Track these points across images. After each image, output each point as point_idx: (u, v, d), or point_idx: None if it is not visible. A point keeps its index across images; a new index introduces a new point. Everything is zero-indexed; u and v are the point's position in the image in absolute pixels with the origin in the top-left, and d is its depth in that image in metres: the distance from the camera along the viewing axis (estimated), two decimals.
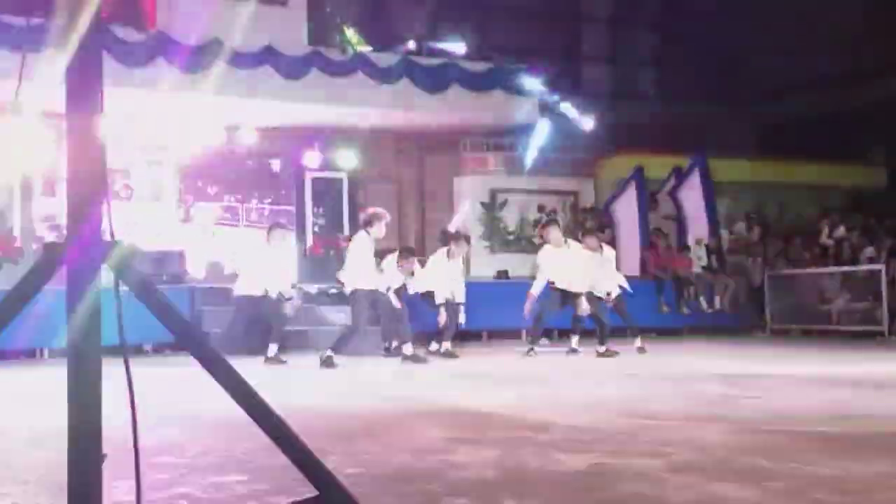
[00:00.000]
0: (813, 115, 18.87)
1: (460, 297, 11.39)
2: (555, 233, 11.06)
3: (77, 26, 1.95)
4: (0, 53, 11.18)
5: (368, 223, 10.25)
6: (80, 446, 1.91)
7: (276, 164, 15.76)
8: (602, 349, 10.74)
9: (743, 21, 18.86)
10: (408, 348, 10.32)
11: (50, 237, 13.26)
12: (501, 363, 10.23)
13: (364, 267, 10.18)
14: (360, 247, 10.20)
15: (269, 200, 15.66)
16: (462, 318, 11.39)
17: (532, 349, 10.76)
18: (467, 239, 12.09)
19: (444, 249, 11.56)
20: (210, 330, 11.31)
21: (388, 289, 11.35)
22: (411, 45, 14.99)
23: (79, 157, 1.95)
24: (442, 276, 11.31)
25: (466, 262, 13.14)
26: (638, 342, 11.30)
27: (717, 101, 19.40)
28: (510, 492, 3.34)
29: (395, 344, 11.19)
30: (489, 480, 3.59)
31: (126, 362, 1.97)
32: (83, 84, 1.97)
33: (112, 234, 1.95)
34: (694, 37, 19.40)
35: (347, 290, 10.42)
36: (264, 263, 10.79)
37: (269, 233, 11.09)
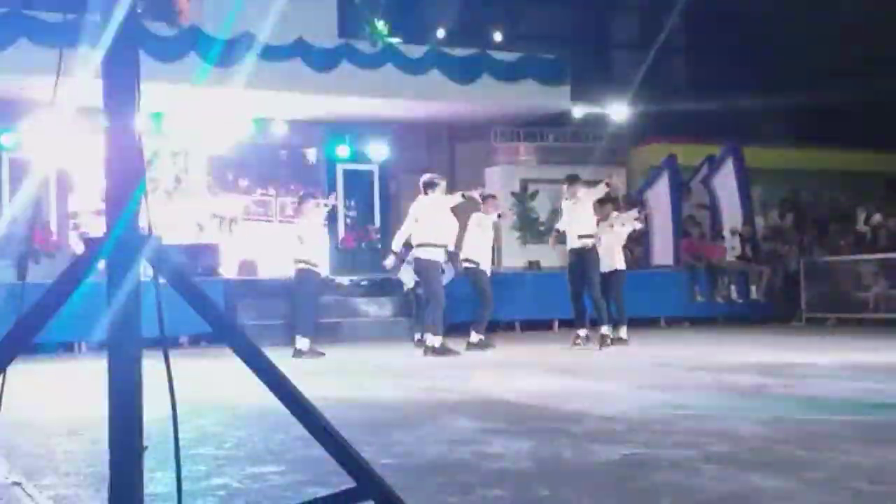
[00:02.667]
0: (848, 102, 18.62)
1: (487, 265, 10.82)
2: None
3: (114, 21, 1.97)
4: (37, 49, 11.34)
5: (429, 185, 10.10)
6: (121, 438, 1.94)
7: (308, 157, 15.81)
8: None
9: (777, 7, 18.65)
10: (433, 339, 9.90)
11: (74, 234, 13.44)
12: (534, 354, 10.21)
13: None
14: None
15: (303, 194, 15.69)
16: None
17: (579, 337, 10.46)
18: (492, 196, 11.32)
19: (476, 217, 10.84)
20: (245, 322, 11.39)
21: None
22: (440, 34, 14.98)
23: (116, 153, 1.97)
24: (482, 246, 10.73)
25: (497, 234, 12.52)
26: (605, 329, 10.57)
27: (751, 88, 19.20)
28: (544, 482, 3.34)
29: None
30: (523, 471, 3.60)
31: (166, 354, 2.00)
32: (120, 79, 1.99)
33: (150, 228, 1.97)
34: (727, 23, 19.21)
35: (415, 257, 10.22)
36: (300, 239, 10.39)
37: (301, 205, 10.72)
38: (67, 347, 11.43)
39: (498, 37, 15.51)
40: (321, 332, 11.08)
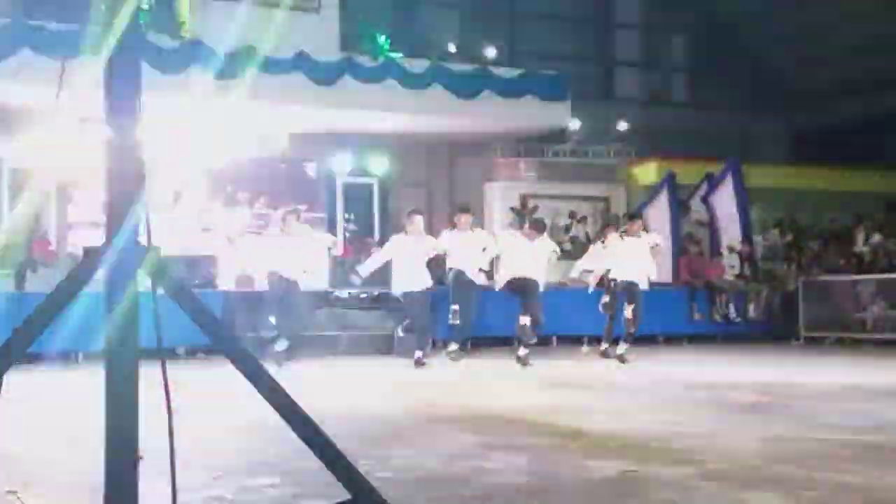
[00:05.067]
0: (848, 121, 18.68)
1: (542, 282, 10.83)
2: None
3: (116, 32, 1.98)
4: (40, 60, 11.37)
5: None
6: (117, 448, 1.94)
7: (308, 171, 15.83)
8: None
9: (777, 26, 18.72)
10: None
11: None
12: (531, 368, 10.19)
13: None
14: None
15: (305, 208, 15.65)
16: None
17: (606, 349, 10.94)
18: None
19: (518, 231, 11.18)
20: (242, 334, 11.37)
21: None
22: (452, 49, 15.07)
23: (117, 163, 1.98)
24: (527, 261, 10.69)
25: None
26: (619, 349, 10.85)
27: (751, 106, 19.27)
28: (541, 498, 3.34)
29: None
30: (520, 486, 3.59)
31: (163, 365, 2.00)
32: (122, 90, 1.99)
33: (149, 239, 1.97)
34: (727, 42, 19.29)
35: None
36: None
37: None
38: (65, 357, 11.40)
39: (498, 53, 15.57)
40: (318, 345, 11.13)
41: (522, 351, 10.37)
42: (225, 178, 15.09)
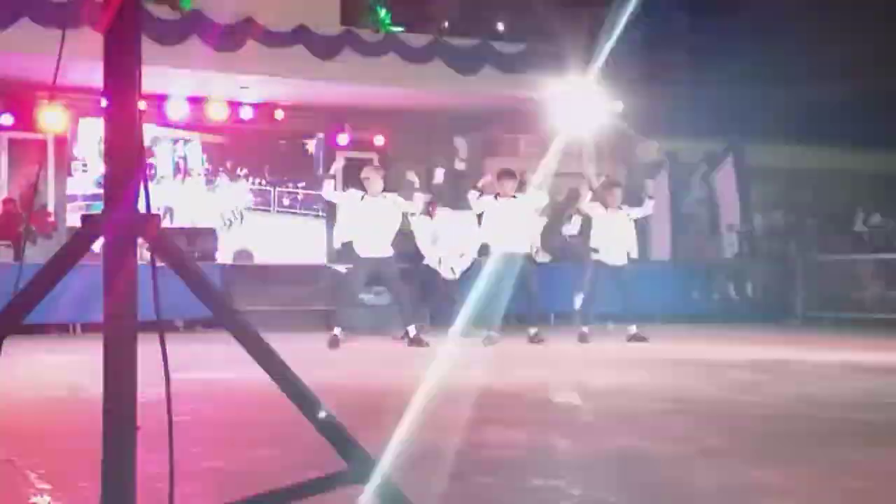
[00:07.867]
0: (849, 101, 18.61)
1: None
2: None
3: (115, 3, 1.96)
4: (40, 29, 11.29)
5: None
6: (115, 418, 1.94)
7: (308, 145, 15.77)
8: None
9: (779, 4, 18.63)
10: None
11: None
12: (528, 345, 10.20)
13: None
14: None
15: (304, 184, 15.59)
16: None
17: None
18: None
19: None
20: (240, 307, 11.38)
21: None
22: (445, 24, 14.99)
23: (116, 134, 1.97)
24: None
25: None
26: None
27: (753, 85, 19.18)
28: (538, 472, 3.35)
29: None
30: (517, 461, 3.61)
31: (161, 336, 1.99)
32: (121, 61, 1.98)
33: (149, 209, 1.96)
34: (729, 20, 19.20)
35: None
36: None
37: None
38: (63, 329, 11.42)
39: (501, 28, 15.49)
40: (316, 321, 11.17)
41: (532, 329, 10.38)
42: (224, 153, 15.04)
